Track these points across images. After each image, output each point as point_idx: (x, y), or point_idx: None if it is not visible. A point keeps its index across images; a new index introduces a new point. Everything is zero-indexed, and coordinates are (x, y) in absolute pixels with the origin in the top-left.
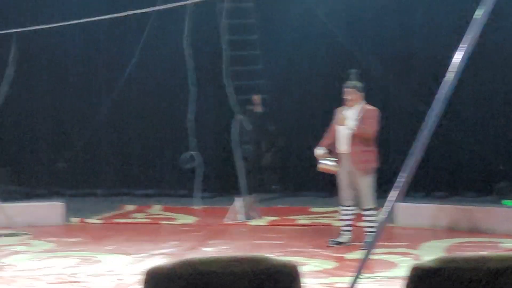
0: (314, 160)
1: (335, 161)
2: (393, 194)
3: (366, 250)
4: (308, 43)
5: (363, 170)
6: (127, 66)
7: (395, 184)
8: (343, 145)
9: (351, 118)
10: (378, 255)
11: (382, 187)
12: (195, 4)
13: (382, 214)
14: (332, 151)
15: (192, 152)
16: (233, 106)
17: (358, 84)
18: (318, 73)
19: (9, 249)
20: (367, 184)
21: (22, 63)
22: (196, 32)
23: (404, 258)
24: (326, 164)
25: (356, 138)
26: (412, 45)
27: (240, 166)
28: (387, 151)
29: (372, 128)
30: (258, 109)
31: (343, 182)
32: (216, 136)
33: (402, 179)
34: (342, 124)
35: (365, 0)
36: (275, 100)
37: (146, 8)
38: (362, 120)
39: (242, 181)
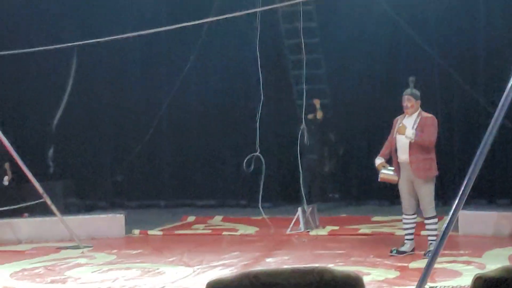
0: (375, 169)
1: (394, 170)
2: (456, 202)
3: (430, 259)
4: (368, 48)
5: (423, 178)
6: (185, 78)
7: (458, 192)
8: (403, 154)
9: (409, 126)
10: (441, 263)
11: (444, 194)
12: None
13: (445, 222)
14: (391, 160)
15: (255, 154)
16: (300, 115)
17: (416, 91)
18: (378, 79)
19: (71, 262)
20: (427, 192)
21: (82, 76)
22: (260, 38)
23: (468, 267)
24: (386, 174)
25: (415, 146)
26: (476, 49)
27: (302, 176)
28: (449, 157)
29: (431, 136)
30: (319, 114)
31: (403, 191)
32: (277, 145)
33: (465, 186)
34: (402, 133)
35: (429, 2)
36: (336, 105)
37: (202, 18)
38: (420, 128)
39: (304, 191)
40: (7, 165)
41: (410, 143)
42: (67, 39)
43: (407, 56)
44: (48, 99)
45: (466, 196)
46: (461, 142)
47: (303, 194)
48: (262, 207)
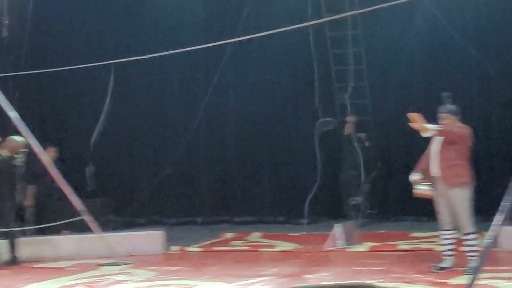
0: (412, 184)
1: (430, 185)
2: (498, 218)
3: (471, 275)
4: (408, 60)
5: (454, 185)
6: (223, 94)
7: (500, 208)
8: (435, 167)
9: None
10: (482, 280)
11: (485, 210)
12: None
13: (488, 238)
14: (427, 175)
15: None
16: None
17: (453, 107)
18: (417, 94)
19: (111, 278)
20: (461, 201)
21: (119, 94)
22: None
23: (509, 283)
24: (422, 189)
25: (444, 153)
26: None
27: (343, 192)
28: (490, 172)
29: (453, 129)
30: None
31: (440, 205)
32: (315, 163)
33: (507, 202)
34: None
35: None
36: (375, 121)
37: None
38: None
39: (346, 207)
40: (31, 189)
41: (440, 152)
42: (108, 57)
43: (446, 70)
44: (87, 117)
45: (508, 213)
46: (502, 156)
47: (346, 210)
48: (300, 224)
